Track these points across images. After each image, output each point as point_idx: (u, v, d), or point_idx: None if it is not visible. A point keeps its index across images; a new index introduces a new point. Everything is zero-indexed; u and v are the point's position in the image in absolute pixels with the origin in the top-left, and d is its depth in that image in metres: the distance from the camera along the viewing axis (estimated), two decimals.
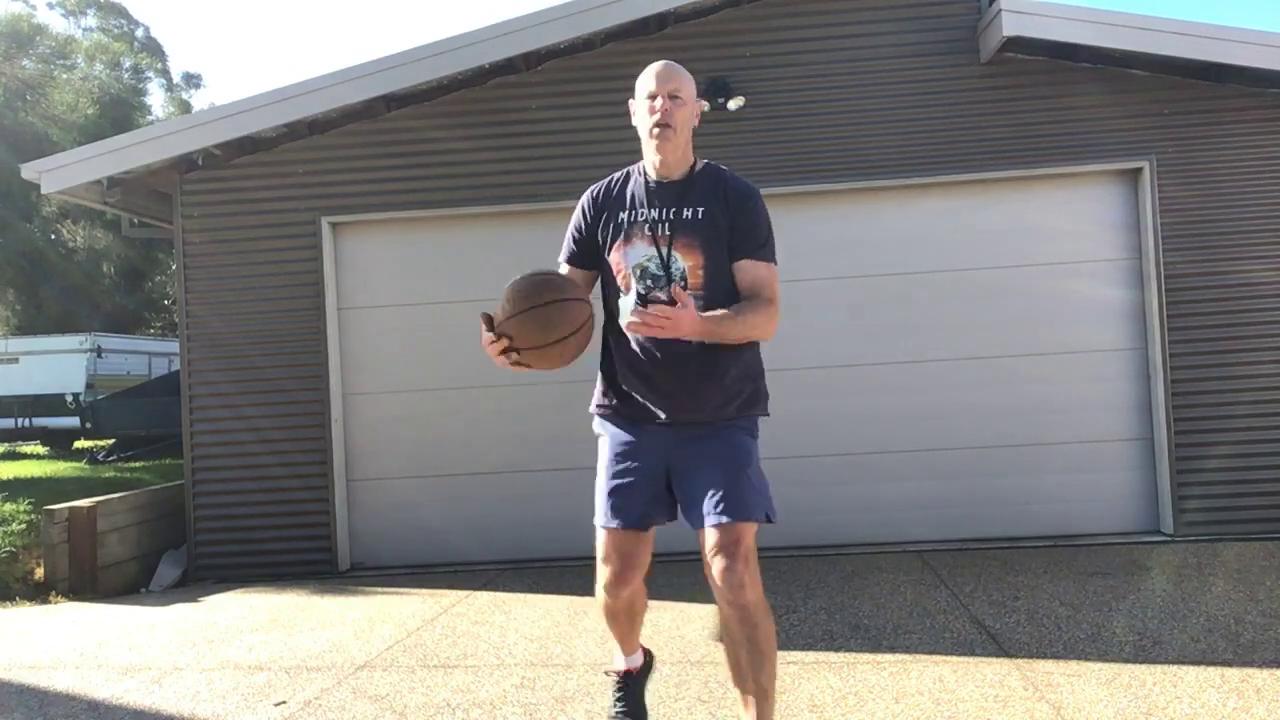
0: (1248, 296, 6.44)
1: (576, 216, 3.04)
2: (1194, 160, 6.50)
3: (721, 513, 2.74)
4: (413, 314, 6.98)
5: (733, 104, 6.64)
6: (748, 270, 2.85)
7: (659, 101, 2.87)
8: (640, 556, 2.93)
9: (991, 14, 6.34)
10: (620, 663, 3.27)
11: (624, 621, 3.12)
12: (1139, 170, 6.55)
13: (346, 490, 6.93)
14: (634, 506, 2.90)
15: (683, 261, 2.84)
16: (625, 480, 2.93)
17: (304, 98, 6.62)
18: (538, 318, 2.61)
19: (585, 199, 3.05)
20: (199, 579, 6.86)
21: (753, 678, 2.76)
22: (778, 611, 5.01)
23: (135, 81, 24.41)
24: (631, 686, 3.24)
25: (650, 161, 2.96)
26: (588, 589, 5.67)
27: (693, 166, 2.97)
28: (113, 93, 21.36)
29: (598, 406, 3.07)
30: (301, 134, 6.91)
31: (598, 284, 3.05)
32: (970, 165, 6.62)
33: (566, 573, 6.31)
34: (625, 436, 2.97)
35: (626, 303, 2.82)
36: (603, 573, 2.95)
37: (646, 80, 2.94)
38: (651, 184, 2.95)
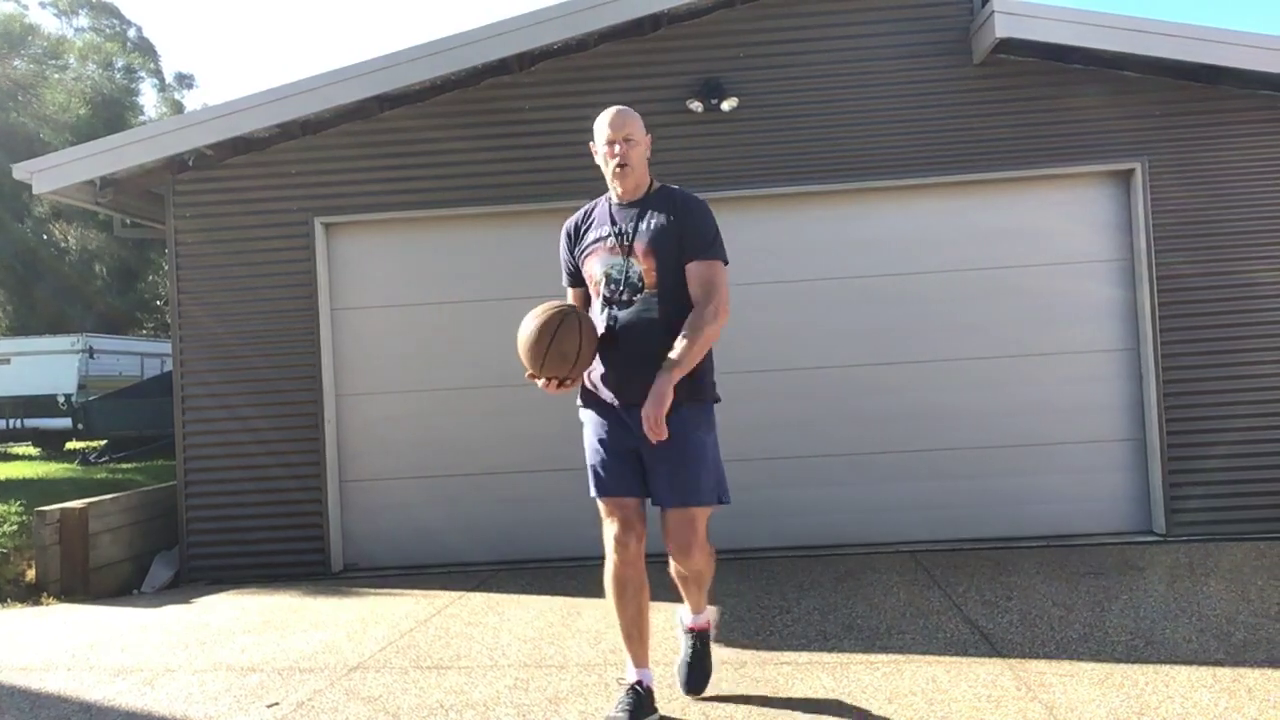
0: (1240, 297, 6.46)
1: (562, 245, 3.67)
2: (1186, 161, 6.52)
3: (675, 499, 3.37)
4: (406, 314, 6.97)
5: (726, 105, 6.64)
6: (697, 270, 3.38)
7: (616, 147, 3.45)
8: (635, 515, 3.44)
9: (984, 16, 6.35)
10: (631, 673, 3.55)
11: (632, 603, 3.44)
12: (1131, 171, 6.57)
13: (340, 491, 6.92)
14: (613, 479, 3.43)
15: (639, 265, 3.40)
16: (602, 457, 3.46)
17: (297, 98, 6.61)
18: (553, 356, 3.23)
19: (565, 230, 3.66)
20: (191, 580, 6.84)
21: (696, 590, 3.66)
22: (771, 612, 5.03)
23: (128, 81, 24.37)
24: (639, 701, 3.44)
25: (614, 191, 3.55)
26: (582, 590, 5.70)
27: (649, 187, 3.55)
28: (105, 93, 21.32)
29: (582, 392, 3.57)
30: (295, 134, 6.90)
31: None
32: (963, 166, 6.63)
33: (560, 573, 6.31)
34: (598, 419, 3.51)
35: (595, 308, 3.50)
36: (608, 531, 3.45)
37: (602, 128, 3.50)
38: (615, 207, 3.55)
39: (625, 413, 3.38)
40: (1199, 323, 6.46)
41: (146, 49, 29.01)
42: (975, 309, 6.70)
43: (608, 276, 3.43)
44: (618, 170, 3.45)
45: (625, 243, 3.44)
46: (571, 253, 3.62)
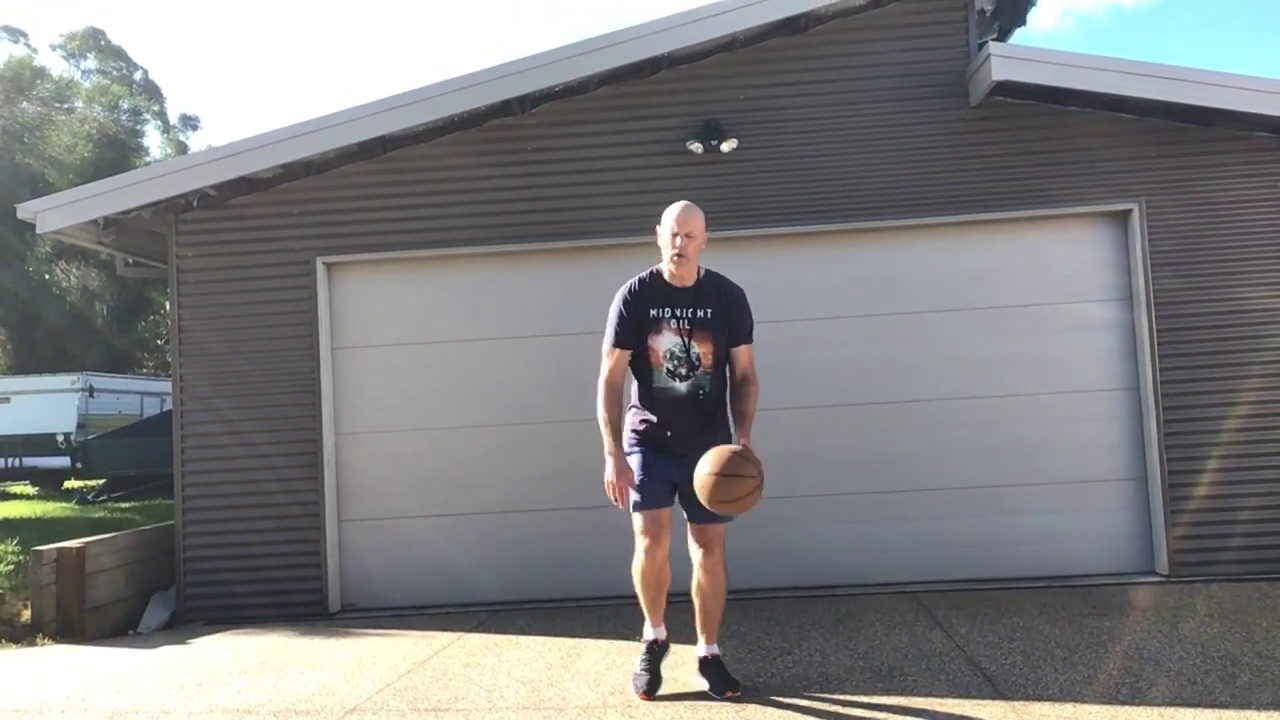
0: (1240, 337, 6.47)
1: (619, 310, 4.18)
2: (1183, 202, 6.56)
3: (706, 517, 4.09)
4: (407, 354, 6.98)
5: (726, 146, 6.70)
6: (743, 354, 4.25)
7: (679, 240, 4.08)
8: (666, 526, 4.15)
9: (981, 59, 6.43)
10: (649, 633, 4.33)
11: (654, 588, 4.19)
12: (1129, 212, 6.61)
13: (338, 530, 6.89)
14: (654, 497, 4.14)
15: (698, 348, 4.14)
16: (650, 481, 4.14)
17: (301, 139, 6.67)
18: (728, 506, 3.90)
19: (624, 295, 4.19)
20: (188, 621, 6.79)
21: (716, 615, 4.27)
22: (772, 653, 4.98)
23: (133, 123, 24.60)
24: (656, 653, 4.32)
25: (667, 272, 4.18)
26: (581, 631, 5.66)
27: (699, 275, 4.21)
28: (110, 134, 21.52)
29: (632, 433, 4.25)
30: (298, 174, 6.96)
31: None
32: (962, 207, 6.67)
33: (559, 614, 6.26)
34: (650, 455, 4.19)
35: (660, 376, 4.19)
36: (642, 542, 4.13)
37: (669, 220, 4.13)
38: (674, 290, 4.18)
39: (674, 455, 4.12)
40: (1199, 362, 6.47)
41: (152, 91, 29.34)
42: (974, 349, 6.71)
43: (671, 354, 4.12)
44: (675, 259, 4.09)
45: (687, 327, 4.13)
46: (633, 316, 4.14)
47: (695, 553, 4.21)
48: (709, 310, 4.14)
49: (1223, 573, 6.35)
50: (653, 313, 4.13)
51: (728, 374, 4.26)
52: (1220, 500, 6.41)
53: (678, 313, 4.13)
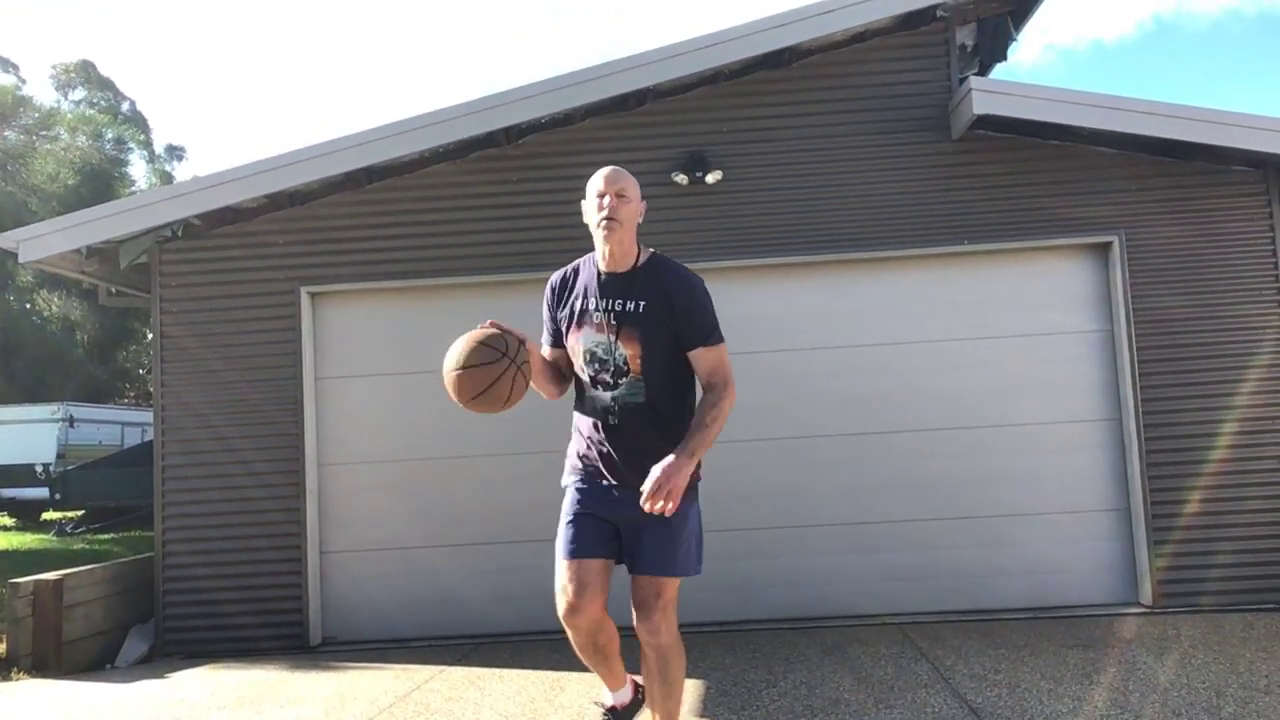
0: (1220, 368, 6.52)
1: (545, 304, 3.48)
2: (1162, 235, 6.63)
3: (649, 567, 3.26)
4: (390, 384, 6.96)
5: (710, 178, 6.74)
6: (703, 358, 3.26)
7: (607, 200, 3.24)
8: (595, 584, 3.24)
9: (962, 93, 6.50)
10: (606, 698, 3.61)
11: (594, 655, 3.36)
12: (1109, 244, 6.67)
13: (320, 562, 6.83)
14: (586, 542, 3.28)
15: (623, 350, 3.25)
16: (581, 523, 3.32)
17: (285, 169, 6.67)
18: (485, 399, 3.13)
19: (549, 287, 3.48)
20: (167, 654, 6.70)
21: (661, 704, 3.35)
22: (757, 686, 4.95)
23: (117, 152, 24.57)
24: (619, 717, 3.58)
25: (600, 254, 3.33)
26: (565, 664, 5.61)
27: (637, 259, 3.33)
28: (94, 163, 21.48)
29: (567, 470, 3.49)
30: (282, 205, 6.95)
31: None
32: (944, 239, 6.72)
33: (542, 647, 6.22)
34: (585, 490, 3.38)
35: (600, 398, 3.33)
36: (560, 601, 3.25)
37: (596, 182, 3.32)
38: (602, 276, 3.33)
39: (617, 490, 3.30)
40: (1180, 393, 6.51)
41: (139, 121, 29.35)
42: (958, 379, 6.74)
43: (592, 354, 3.30)
44: (605, 223, 3.22)
45: (611, 322, 3.26)
46: (555, 315, 3.44)
47: (635, 611, 3.29)
48: (641, 303, 3.25)
49: (1207, 603, 6.36)
50: (578, 304, 3.36)
51: (688, 383, 3.39)
52: (1203, 531, 6.43)
53: (604, 304, 3.29)
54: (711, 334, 3.28)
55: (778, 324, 6.78)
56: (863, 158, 6.83)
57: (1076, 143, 6.71)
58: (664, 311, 3.23)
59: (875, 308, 6.83)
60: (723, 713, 4.51)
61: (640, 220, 3.35)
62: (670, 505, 2.95)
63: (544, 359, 3.43)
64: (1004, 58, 7.37)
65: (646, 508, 2.97)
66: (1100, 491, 6.66)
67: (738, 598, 6.55)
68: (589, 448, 3.36)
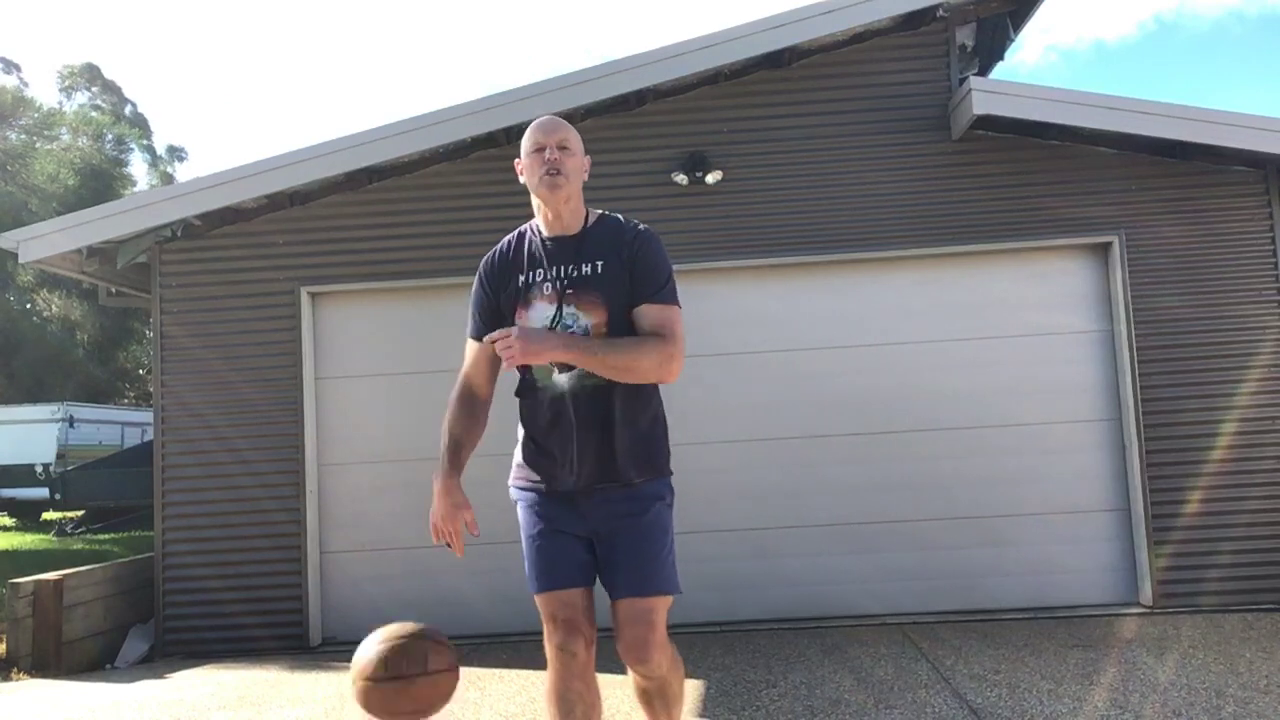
0: (1221, 368, 6.52)
1: (476, 290, 3.01)
2: (1162, 235, 6.63)
3: (633, 587, 2.80)
4: (391, 384, 6.96)
5: (710, 178, 6.74)
6: (647, 313, 2.79)
7: (548, 152, 2.83)
8: (582, 613, 2.86)
9: (962, 93, 6.50)
10: None
11: (565, 714, 2.84)
12: (1109, 244, 6.67)
13: (320, 562, 6.83)
14: (562, 569, 2.87)
15: (585, 319, 2.78)
16: (549, 545, 2.90)
17: (286, 169, 6.67)
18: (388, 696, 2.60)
19: (482, 270, 3.01)
20: (167, 654, 6.70)
21: (665, 715, 3.02)
22: (757, 686, 4.95)
23: (118, 153, 24.58)
24: None
25: (543, 218, 2.92)
26: None
27: (586, 218, 2.93)
28: (94, 164, 21.48)
29: (516, 474, 3.02)
30: (283, 205, 6.95)
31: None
32: (943, 239, 6.72)
33: (542, 647, 6.19)
34: (545, 504, 2.93)
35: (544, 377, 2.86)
36: (551, 634, 2.88)
37: (534, 134, 2.91)
38: (547, 242, 2.90)
39: (580, 498, 2.86)
40: (1180, 393, 6.51)
41: (140, 123, 29.40)
42: (957, 379, 6.74)
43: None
44: (547, 179, 2.80)
45: (568, 290, 2.80)
46: (496, 298, 2.94)
47: (621, 637, 2.84)
48: (599, 263, 2.81)
49: (1207, 604, 6.36)
50: (520, 279, 2.88)
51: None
52: (1203, 531, 6.43)
53: (554, 271, 2.83)
54: (662, 290, 2.81)
55: (777, 324, 6.78)
56: (863, 158, 6.83)
57: (1076, 143, 6.71)
58: (622, 270, 2.81)
59: (875, 308, 6.83)
60: (723, 713, 4.51)
61: (585, 178, 2.96)
62: (505, 341, 2.66)
63: (463, 385, 2.99)
64: (1001, 58, 7.38)
65: (501, 350, 2.67)
66: (1100, 491, 6.66)
67: (738, 598, 6.55)
68: (544, 447, 2.89)
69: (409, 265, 6.89)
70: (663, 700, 3.00)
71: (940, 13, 6.85)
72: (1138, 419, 6.50)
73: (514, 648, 6.28)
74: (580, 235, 2.88)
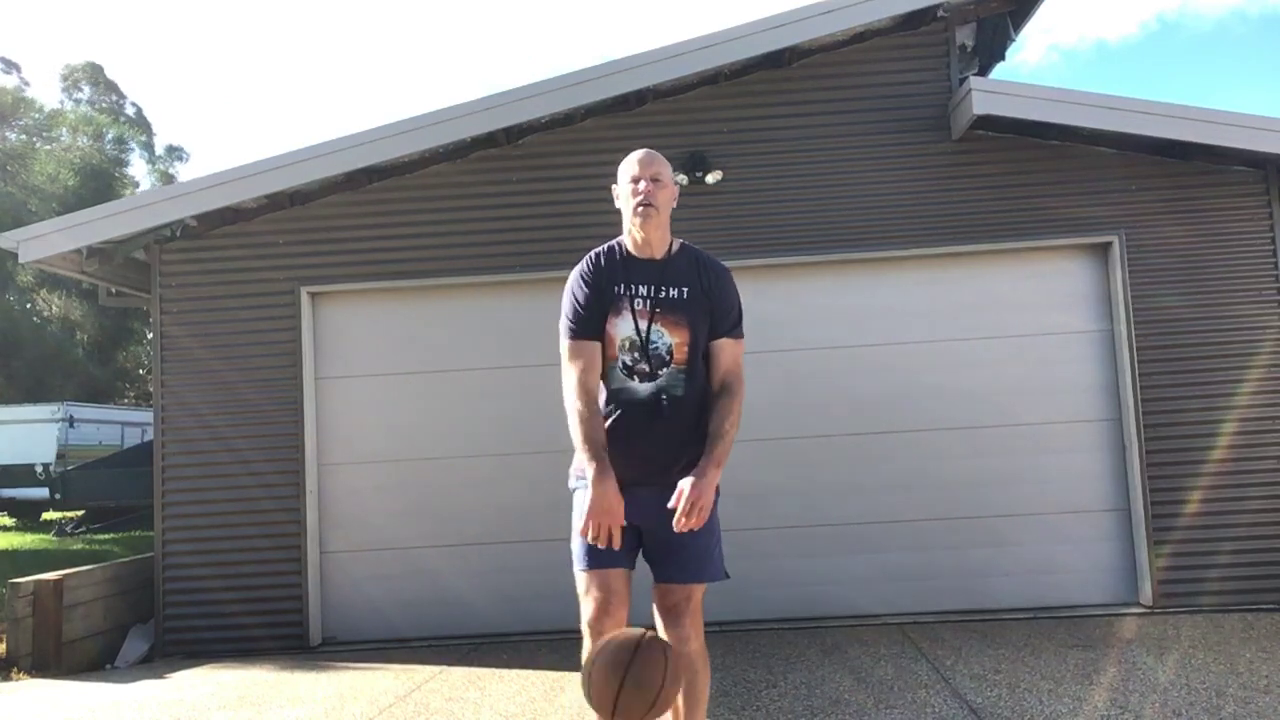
0: (1221, 368, 6.52)
1: (577, 291, 3.16)
2: (1162, 235, 6.63)
3: (681, 573, 3.09)
4: (391, 384, 6.96)
5: (711, 178, 6.74)
6: (726, 349, 3.17)
7: (643, 184, 3.12)
8: (621, 594, 3.03)
9: (962, 93, 6.50)
10: None
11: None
12: (1109, 244, 6.67)
13: (320, 562, 6.83)
14: (605, 551, 2.98)
15: (670, 338, 3.09)
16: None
17: (285, 170, 6.67)
18: (628, 694, 2.68)
19: (581, 273, 3.19)
20: (167, 654, 6.70)
21: (693, 701, 3.15)
22: (757, 686, 4.95)
23: (118, 153, 24.58)
24: None
25: (634, 240, 3.19)
26: (564, 664, 5.61)
27: (670, 246, 3.23)
28: (94, 164, 21.48)
29: (578, 470, 3.15)
30: (282, 205, 6.95)
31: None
32: (943, 239, 6.72)
33: (543, 647, 6.21)
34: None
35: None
36: (586, 609, 3.02)
37: (630, 166, 3.18)
38: (636, 262, 3.18)
39: (639, 489, 3.04)
40: (1180, 393, 6.51)
41: (141, 123, 29.41)
42: (958, 379, 6.73)
43: (629, 343, 3.09)
44: (640, 210, 3.10)
45: (651, 309, 3.10)
46: (600, 297, 3.12)
47: (662, 618, 3.12)
48: (684, 289, 3.14)
49: (1207, 604, 6.36)
50: (616, 289, 3.13)
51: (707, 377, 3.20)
52: (1203, 531, 6.42)
53: (641, 290, 3.12)
54: (738, 325, 3.23)
55: (778, 324, 6.77)
56: (863, 158, 6.83)
57: (1076, 143, 6.71)
58: (703, 298, 3.16)
59: (875, 308, 6.83)
60: (723, 713, 4.51)
61: (674, 205, 3.27)
62: (699, 521, 2.89)
63: (586, 387, 3.07)
64: (1002, 58, 7.38)
65: (678, 528, 2.88)
66: (1100, 491, 6.66)
67: (738, 598, 6.53)
68: (615, 442, 3.04)
69: (409, 265, 6.89)
70: (690, 691, 3.12)
71: (940, 13, 6.85)
72: (1138, 419, 6.50)
73: (514, 648, 6.28)
74: (665, 261, 3.20)
